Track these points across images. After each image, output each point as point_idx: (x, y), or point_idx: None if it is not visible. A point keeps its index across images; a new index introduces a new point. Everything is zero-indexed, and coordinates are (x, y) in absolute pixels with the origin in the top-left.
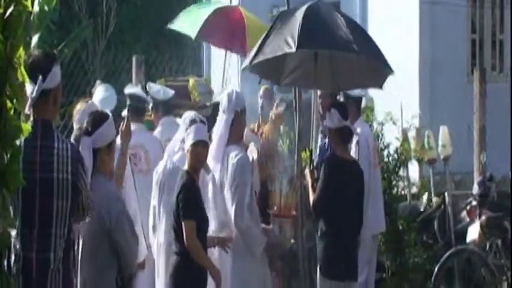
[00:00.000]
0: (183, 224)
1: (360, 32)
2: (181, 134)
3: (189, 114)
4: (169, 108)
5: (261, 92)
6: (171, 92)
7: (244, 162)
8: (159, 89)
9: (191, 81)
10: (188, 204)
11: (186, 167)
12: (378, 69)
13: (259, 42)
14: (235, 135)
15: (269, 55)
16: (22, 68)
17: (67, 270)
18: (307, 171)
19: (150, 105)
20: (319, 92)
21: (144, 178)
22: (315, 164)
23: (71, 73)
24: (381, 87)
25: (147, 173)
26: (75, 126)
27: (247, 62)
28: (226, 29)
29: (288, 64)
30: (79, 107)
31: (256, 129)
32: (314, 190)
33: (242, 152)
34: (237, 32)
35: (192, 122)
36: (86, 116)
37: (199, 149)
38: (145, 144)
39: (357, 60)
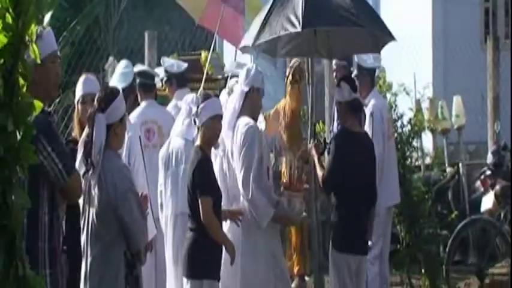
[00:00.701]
0: (199, 200)
1: (361, 3)
2: (184, 115)
3: (190, 96)
4: (184, 81)
5: None
6: (185, 65)
7: (253, 132)
8: (173, 63)
9: (203, 54)
10: (205, 181)
11: (199, 142)
12: (377, 36)
13: (260, 21)
14: (248, 110)
15: (273, 35)
16: (34, 45)
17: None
18: (311, 145)
19: (164, 79)
20: (333, 66)
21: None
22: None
23: (83, 50)
24: (379, 51)
25: (161, 147)
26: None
27: (248, 41)
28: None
29: (284, 36)
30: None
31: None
32: (321, 165)
33: (252, 123)
34: (232, 19)
35: (207, 96)
36: (82, 86)
37: (217, 122)
38: (157, 119)
39: (357, 29)
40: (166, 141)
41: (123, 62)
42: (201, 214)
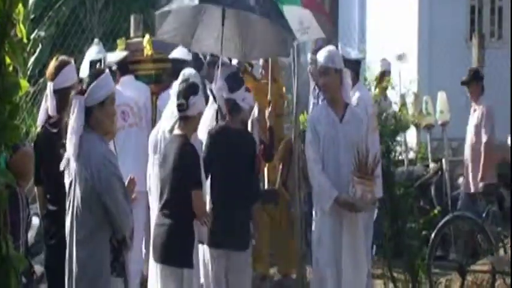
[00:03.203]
0: (192, 194)
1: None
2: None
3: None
4: (125, 68)
5: None
6: (123, 54)
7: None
8: (111, 55)
9: (146, 37)
10: (196, 174)
11: (179, 131)
12: (283, 38)
13: None
14: None
15: (174, 7)
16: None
17: None
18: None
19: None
20: (309, 60)
21: (136, 130)
22: None
23: (68, 31)
24: (287, 56)
25: (137, 125)
26: (50, 83)
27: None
28: None
29: (198, 31)
30: (51, 64)
31: None
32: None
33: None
34: None
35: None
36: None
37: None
38: (128, 101)
39: (263, 29)
40: (157, 125)
41: (95, 48)
42: (195, 207)
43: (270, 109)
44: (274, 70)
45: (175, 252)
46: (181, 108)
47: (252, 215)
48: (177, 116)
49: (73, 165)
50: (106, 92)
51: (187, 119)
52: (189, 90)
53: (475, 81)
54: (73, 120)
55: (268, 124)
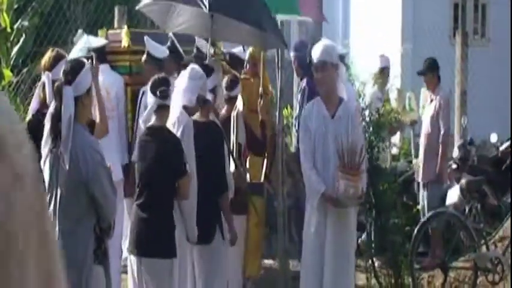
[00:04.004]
0: (181, 180)
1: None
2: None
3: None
4: (103, 56)
5: None
6: (103, 41)
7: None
8: (91, 41)
9: (125, 28)
10: (182, 161)
11: (157, 123)
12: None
13: None
14: None
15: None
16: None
17: None
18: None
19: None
20: (292, 57)
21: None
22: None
23: (52, 21)
24: (265, 49)
25: (113, 111)
26: (45, 76)
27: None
28: None
29: (177, 14)
30: (48, 55)
31: None
32: None
33: None
34: None
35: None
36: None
37: None
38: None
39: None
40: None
41: (83, 39)
42: (183, 193)
43: (261, 103)
44: (258, 66)
45: (160, 244)
46: (164, 94)
47: (223, 208)
48: (155, 106)
49: (52, 157)
50: (89, 81)
51: (164, 109)
52: (164, 81)
53: (431, 71)
54: (64, 110)
55: (260, 118)
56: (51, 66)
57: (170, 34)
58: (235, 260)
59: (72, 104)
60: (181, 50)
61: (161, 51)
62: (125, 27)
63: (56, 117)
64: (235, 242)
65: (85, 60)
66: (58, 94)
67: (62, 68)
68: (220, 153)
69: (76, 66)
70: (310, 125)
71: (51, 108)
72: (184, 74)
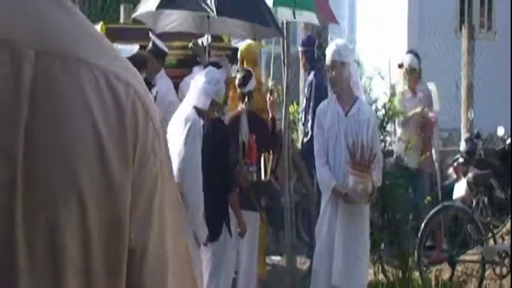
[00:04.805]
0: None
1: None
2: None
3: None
4: None
5: None
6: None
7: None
8: None
9: (100, 24)
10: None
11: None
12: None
13: None
14: None
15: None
16: None
17: None
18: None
19: None
20: (299, 52)
21: None
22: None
23: None
24: (254, 39)
25: None
26: None
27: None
28: None
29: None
30: None
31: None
32: None
33: None
34: None
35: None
36: None
37: None
38: None
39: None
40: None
41: None
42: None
43: (271, 99)
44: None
45: None
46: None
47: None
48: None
49: None
50: None
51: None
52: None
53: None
54: None
55: (270, 114)
56: None
57: (151, 34)
58: (249, 260)
59: None
60: (165, 49)
61: (128, 51)
62: (101, 23)
63: None
64: (244, 235)
65: None
66: None
67: None
68: (226, 150)
69: None
70: (324, 122)
71: None
72: (202, 75)
